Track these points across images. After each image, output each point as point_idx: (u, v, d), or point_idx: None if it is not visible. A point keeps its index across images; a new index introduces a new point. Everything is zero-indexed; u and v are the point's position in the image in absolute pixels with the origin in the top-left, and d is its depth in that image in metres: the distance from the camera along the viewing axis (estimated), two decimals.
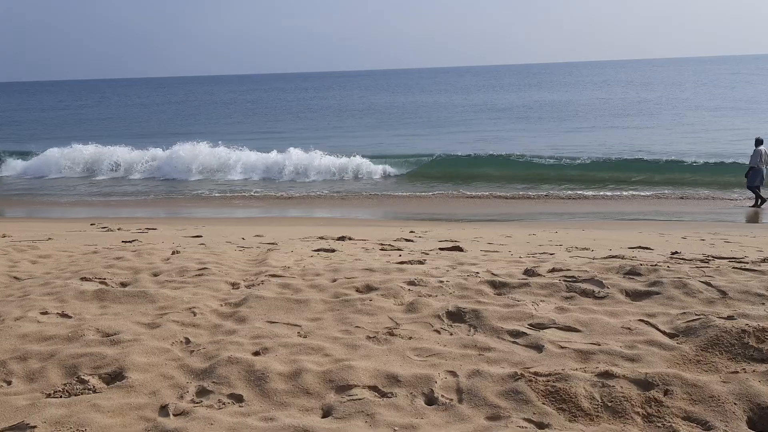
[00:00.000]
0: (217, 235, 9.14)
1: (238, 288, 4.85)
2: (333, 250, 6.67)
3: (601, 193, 17.68)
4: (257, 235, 8.71)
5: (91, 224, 12.51)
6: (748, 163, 15.42)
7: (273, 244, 7.53)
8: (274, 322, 4.02)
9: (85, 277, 5.10)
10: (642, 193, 17.42)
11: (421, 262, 5.65)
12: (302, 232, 10.13)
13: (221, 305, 4.43)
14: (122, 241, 7.94)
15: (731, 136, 26.37)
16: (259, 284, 4.84)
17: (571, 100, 51.56)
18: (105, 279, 5.08)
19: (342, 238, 8.15)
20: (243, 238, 8.33)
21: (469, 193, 18.12)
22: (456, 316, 3.99)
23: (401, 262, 5.68)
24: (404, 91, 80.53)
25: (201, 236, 8.65)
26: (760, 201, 15.04)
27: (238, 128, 39.82)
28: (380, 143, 29.19)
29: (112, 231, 9.94)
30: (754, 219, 14.20)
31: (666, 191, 17.61)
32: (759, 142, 15.30)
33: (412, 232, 9.99)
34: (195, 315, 4.17)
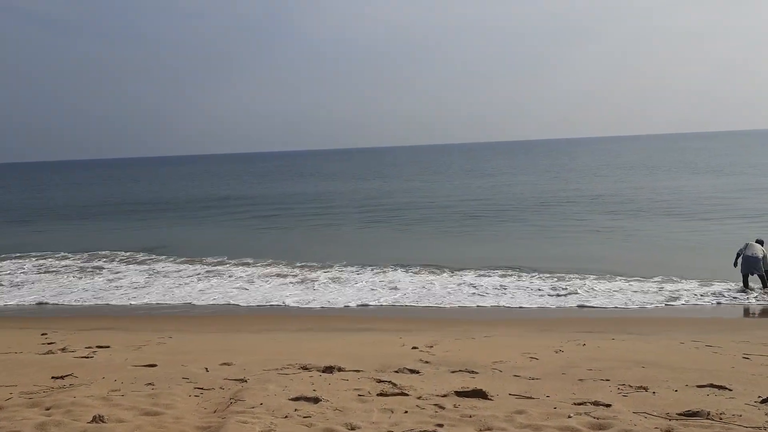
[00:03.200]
0: (178, 359, 7.49)
1: None
2: (317, 400, 5.05)
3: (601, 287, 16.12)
4: (224, 363, 7.06)
5: (42, 334, 10.83)
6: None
7: (242, 381, 5.91)
8: None
9: None
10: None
11: None
12: (281, 347, 8.53)
13: None
14: (52, 377, 6.29)
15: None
16: None
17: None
18: None
19: (329, 369, 6.53)
20: (206, 369, 6.69)
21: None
22: None
23: None
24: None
25: (156, 365, 6.99)
26: (763, 286, 14.33)
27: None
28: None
29: (53, 353, 8.25)
30: None
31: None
32: (758, 241, 14.67)
33: (414, 348, 8.38)
34: None
